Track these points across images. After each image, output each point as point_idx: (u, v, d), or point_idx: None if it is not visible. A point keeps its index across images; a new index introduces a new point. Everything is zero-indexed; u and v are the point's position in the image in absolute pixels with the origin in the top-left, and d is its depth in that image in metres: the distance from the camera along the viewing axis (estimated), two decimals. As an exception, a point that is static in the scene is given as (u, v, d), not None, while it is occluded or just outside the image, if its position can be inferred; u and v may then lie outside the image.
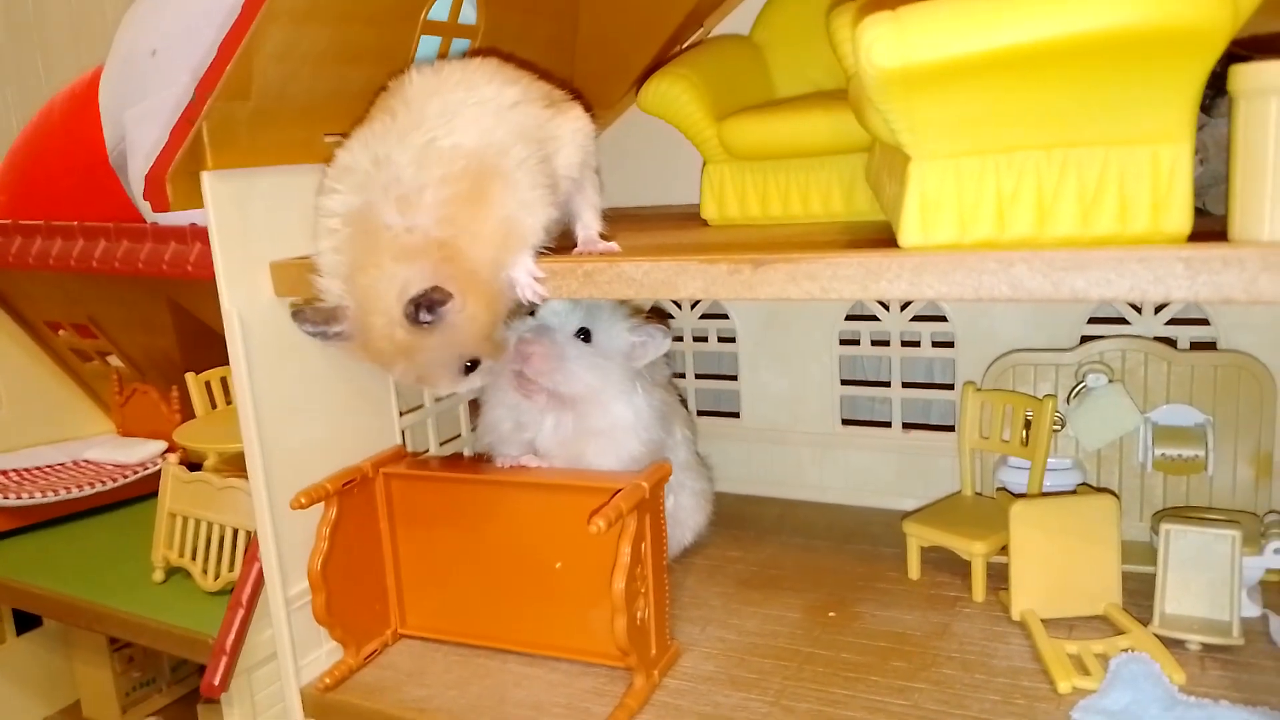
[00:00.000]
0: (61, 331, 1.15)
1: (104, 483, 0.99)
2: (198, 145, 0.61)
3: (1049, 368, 0.80)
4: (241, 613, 0.72)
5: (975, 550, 0.73)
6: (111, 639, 1.20)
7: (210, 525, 0.82)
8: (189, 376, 0.96)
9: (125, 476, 1.01)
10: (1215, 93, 0.64)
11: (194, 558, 0.82)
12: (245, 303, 0.64)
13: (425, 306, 0.55)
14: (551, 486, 0.68)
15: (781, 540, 0.88)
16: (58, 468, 1.04)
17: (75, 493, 0.97)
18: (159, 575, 0.84)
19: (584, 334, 0.72)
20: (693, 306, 0.97)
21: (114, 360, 1.14)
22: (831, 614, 0.74)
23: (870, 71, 0.45)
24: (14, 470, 1.02)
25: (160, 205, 0.61)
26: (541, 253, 0.59)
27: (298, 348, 0.67)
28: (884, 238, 0.52)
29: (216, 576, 0.80)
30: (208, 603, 0.80)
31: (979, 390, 0.81)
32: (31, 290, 1.11)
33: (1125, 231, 0.46)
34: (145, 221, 0.91)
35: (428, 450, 0.84)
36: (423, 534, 0.72)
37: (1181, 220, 0.46)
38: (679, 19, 0.86)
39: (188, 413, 1.01)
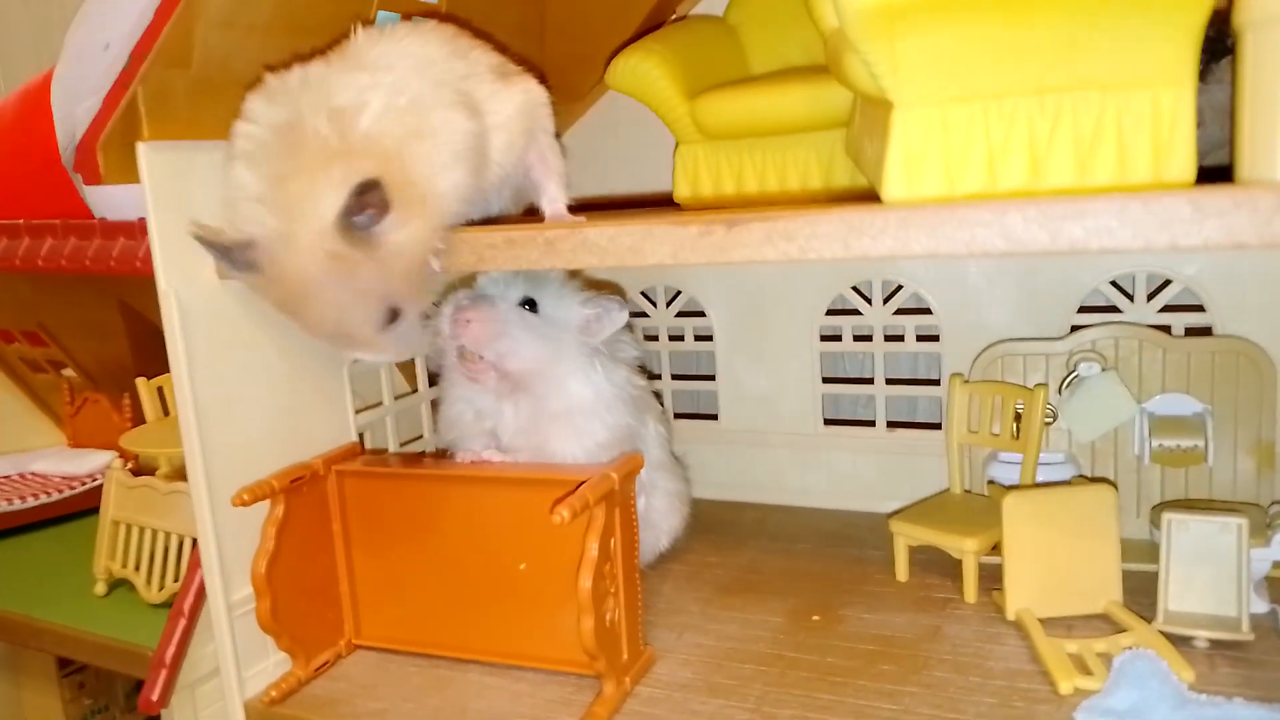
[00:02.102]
0: (14, 344, 1.10)
1: (49, 494, 0.94)
2: (132, 113, 0.57)
3: (1039, 357, 0.77)
4: (183, 623, 0.67)
5: (966, 547, 0.69)
6: (60, 664, 1.14)
7: (155, 533, 0.77)
8: (139, 381, 0.92)
9: (73, 488, 0.96)
10: (1210, 58, 0.61)
11: (138, 568, 0.77)
12: (184, 285, 0.60)
13: (367, 205, 0.50)
14: (513, 481, 0.64)
15: (762, 545, 0.83)
16: (1, 480, 0.98)
17: (17, 504, 0.92)
18: (101, 588, 0.79)
19: (529, 305, 0.67)
20: (668, 304, 0.93)
21: (68, 372, 1.09)
22: (816, 618, 0.70)
23: (850, 8, 0.42)
24: (-46, 483, 0.97)
25: (91, 176, 0.57)
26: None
27: (243, 336, 0.63)
28: (867, 198, 0.48)
29: (161, 587, 0.75)
30: (152, 615, 0.74)
31: (967, 382, 0.77)
32: (-22, 296, 1.06)
33: (1125, 181, 0.43)
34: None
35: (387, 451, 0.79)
36: (378, 536, 0.68)
37: (1185, 168, 0.42)
38: (651, 2, 0.83)
39: (140, 421, 0.96)
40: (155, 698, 0.66)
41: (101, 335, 1.02)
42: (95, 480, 0.97)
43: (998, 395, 0.76)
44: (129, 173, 0.58)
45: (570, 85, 0.91)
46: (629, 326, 0.77)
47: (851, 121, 0.62)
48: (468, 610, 0.66)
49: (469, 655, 0.67)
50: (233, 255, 0.53)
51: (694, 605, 0.73)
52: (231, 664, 0.63)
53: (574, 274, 0.70)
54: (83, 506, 0.97)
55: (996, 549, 0.70)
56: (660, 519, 0.77)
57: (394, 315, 0.56)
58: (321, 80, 0.54)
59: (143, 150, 0.58)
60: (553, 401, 0.67)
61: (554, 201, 0.61)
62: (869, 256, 0.45)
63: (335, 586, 0.68)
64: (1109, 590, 0.65)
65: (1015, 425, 0.75)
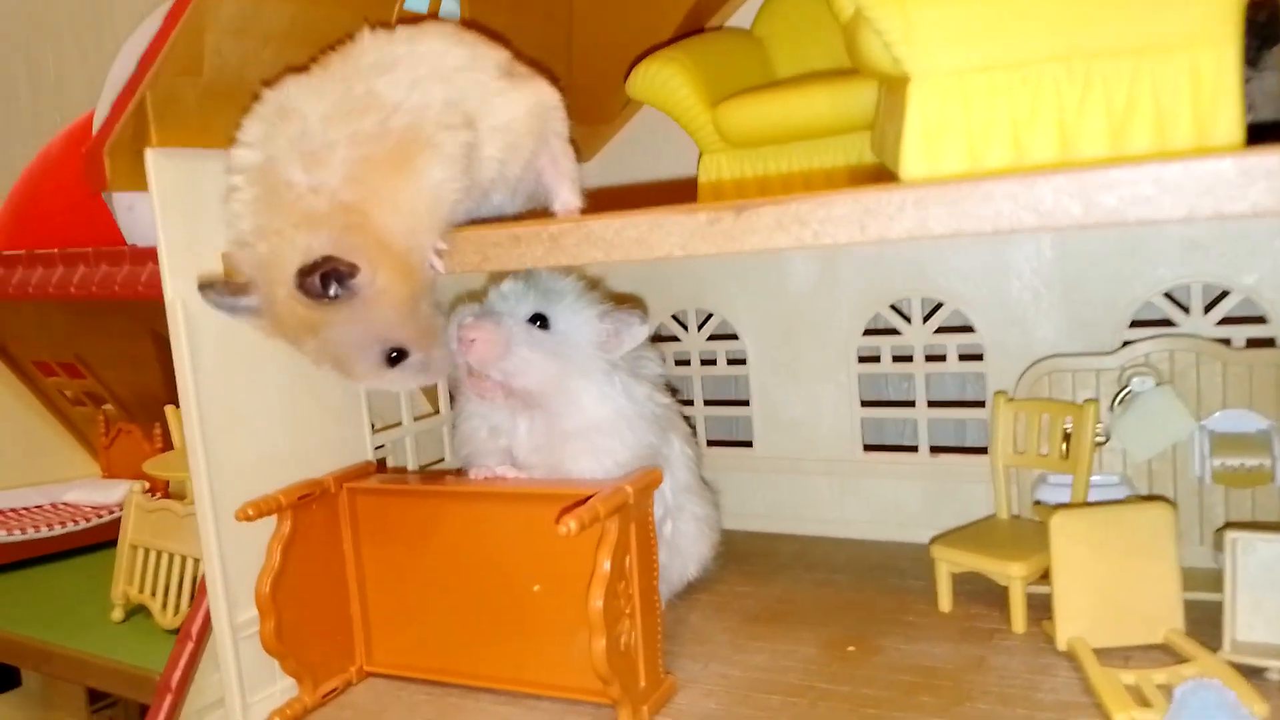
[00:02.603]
0: (53, 377, 1.11)
1: (76, 522, 0.93)
2: (140, 119, 0.56)
3: (1088, 373, 0.72)
4: (190, 646, 0.65)
5: (1013, 573, 0.65)
6: (91, 699, 1.13)
7: (172, 558, 0.75)
8: (168, 409, 0.91)
9: (100, 516, 0.95)
10: (1260, 44, 0.58)
11: (154, 594, 0.76)
12: (192, 295, 0.58)
13: (322, 279, 0.50)
14: (525, 496, 0.61)
15: (796, 575, 0.79)
16: (34, 509, 0.98)
17: (45, 532, 0.91)
18: (118, 614, 0.78)
19: (540, 320, 0.64)
20: (700, 327, 0.90)
21: (107, 407, 1.10)
22: (851, 648, 0.66)
23: (858, -27, 0.39)
24: (-13, 511, 0.97)
25: (98, 182, 0.56)
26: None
27: (254, 349, 0.61)
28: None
29: (176, 612, 0.74)
30: (166, 642, 0.72)
31: (1011, 400, 0.73)
32: (18, 329, 1.08)
33: (1165, 149, 0.40)
34: (129, 248, 0.88)
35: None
36: (391, 557, 0.65)
37: (1232, 131, 0.39)
38: (678, 19, 0.82)
39: (170, 449, 0.95)
40: (159, 724, 0.63)
41: (135, 365, 1.02)
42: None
43: (1045, 413, 0.71)
44: (137, 179, 0.57)
45: (598, 107, 0.90)
46: (654, 342, 0.74)
47: (876, 118, 0.59)
48: (482, 635, 0.63)
49: (482, 682, 0.63)
50: (234, 305, 0.55)
51: (721, 635, 0.69)
52: (235, 688, 0.61)
53: (594, 286, 0.68)
54: (111, 535, 0.96)
55: (1046, 577, 0.65)
56: (688, 545, 0.74)
57: (399, 353, 0.55)
58: (298, 111, 0.53)
59: (151, 157, 0.57)
60: (568, 419, 0.64)
61: (566, 205, 0.59)
62: (886, 239, 0.42)
63: (346, 609, 0.66)
64: (1169, 618, 0.60)
65: (1064, 445, 0.70)
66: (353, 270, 0.51)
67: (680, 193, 0.69)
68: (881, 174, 0.57)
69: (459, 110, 0.55)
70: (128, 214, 0.94)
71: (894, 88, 0.47)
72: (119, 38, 1.30)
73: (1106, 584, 0.61)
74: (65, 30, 1.48)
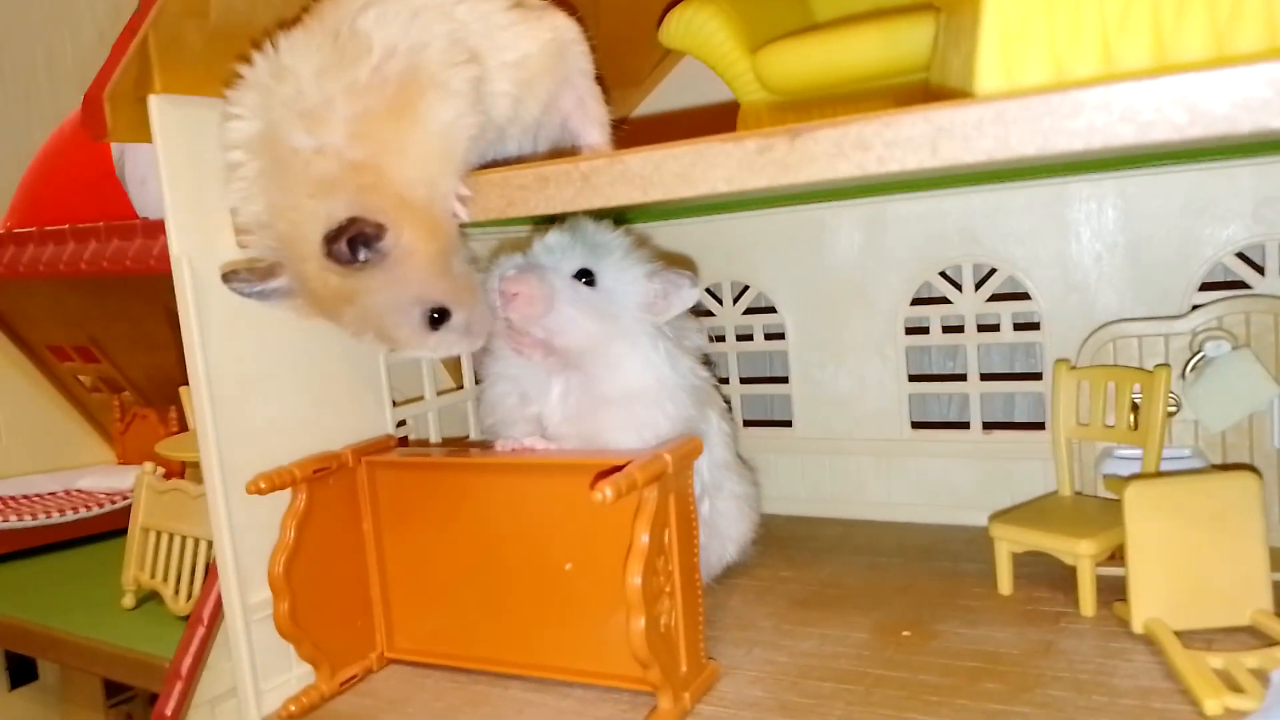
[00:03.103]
0: (68, 362, 1.08)
1: (89, 508, 0.90)
2: (142, 62, 0.52)
3: (1156, 339, 0.67)
4: (201, 631, 0.61)
5: (1082, 551, 0.60)
6: (108, 693, 1.10)
7: (185, 540, 0.72)
8: (183, 390, 0.88)
9: (114, 502, 0.92)
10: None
11: (166, 579, 0.72)
12: (199, 251, 0.55)
13: (349, 244, 0.47)
14: (557, 468, 0.57)
15: (842, 559, 0.75)
16: (47, 496, 0.95)
17: (57, 518, 0.88)
18: (129, 600, 0.74)
19: (586, 277, 0.60)
20: (735, 300, 0.86)
21: (125, 395, 1.07)
22: (906, 633, 0.61)
23: None
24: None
25: (98, 130, 0.52)
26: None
27: (266, 313, 0.57)
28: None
29: (189, 598, 0.70)
30: (179, 628, 0.69)
31: (1074, 369, 0.68)
32: (31, 311, 1.05)
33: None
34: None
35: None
36: (413, 536, 0.61)
37: (1361, 26, 0.34)
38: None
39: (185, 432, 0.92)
40: (169, 712, 0.60)
41: (149, 347, 0.99)
42: (139, 495, 0.93)
43: (1111, 381, 0.66)
44: (139, 129, 0.53)
45: (628, 68, 0.86)
46: (694, 314, 0.70)
47: (934, 52, 0.55)
48: (511, 618, 0.59)
49: (511, 669, 0.59)
50: (264, 291, 0.52)
51: (765, 620, 0.65)
52: (248, 674, 0.57)
53: (642, 243, 0.63)
54: (126, 522, 0.93)
55: (1115, 556, 0.61)
56: (727, 525, 0.69)
57: (441, 314, 0.52)
58: (290, 69, 0.49)
59: (155, 103, 0.53)
60: (607, 384, 0.60)
61: (594, 147, 0.55)
62: (962, 163, 0.37)
63: (365, 591, 0.62)
64: (1256, 597, 0.55)
65: (1132, 416, 0.65)
66: (380, 231, 0.48)
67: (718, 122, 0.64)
68: (938, 97, 0.52)
69: (464, 46, 0.51)
70: (140, 188, 0.91)
71: (962, 4, 0.42)
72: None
73: (1187, 561, 0.56)
74: (85, 18, 1.46)
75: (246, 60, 0.52)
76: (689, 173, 0.43)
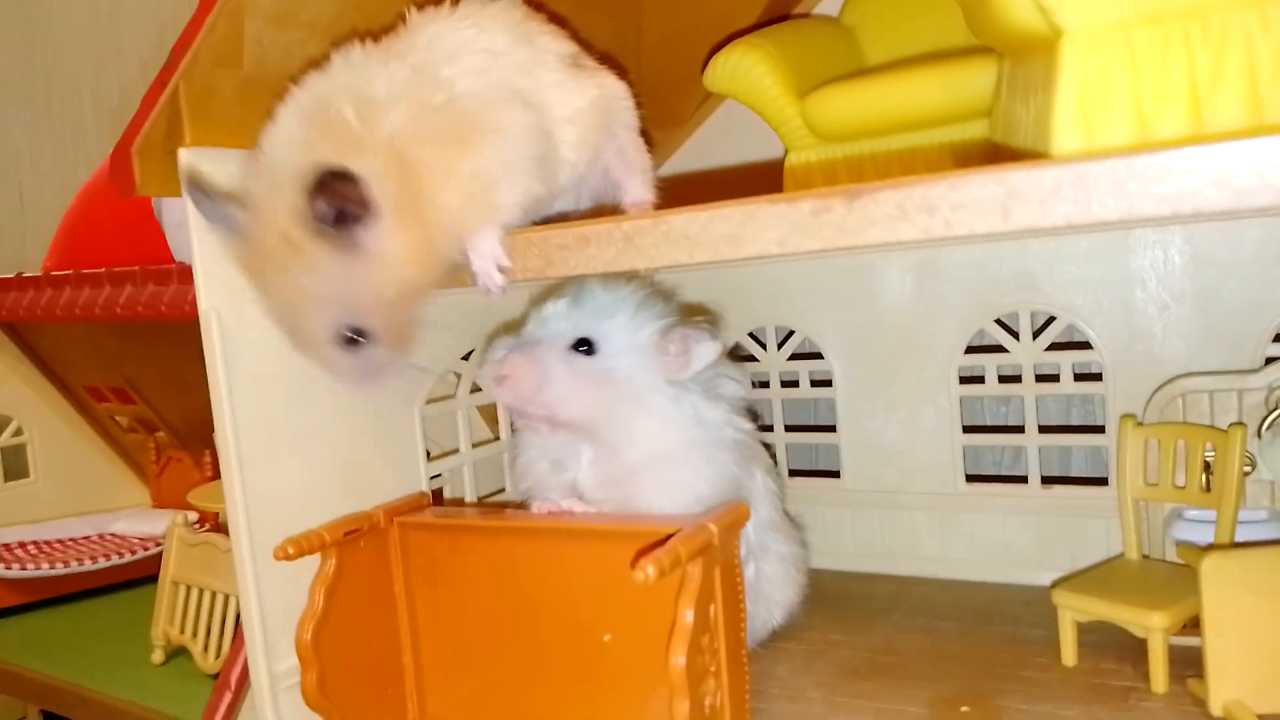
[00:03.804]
0: (105, 403, 1.08)
1: (123, 555, 0.89)
2: (173, 115, 0.51)
3: (1229, 394, 0.63)
4: (229, 697, 0.59)
5: (1153, 624, 0.56)
6: (140, 740, 1.09)
7: (214, 596, 0.70)
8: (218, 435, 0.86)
9: (147, 548, 0.90)
10: None
11: (195, 635, 0.70)
12: (229, 305, 0.53)
13: (336, 202, 0.44)
14: (595, 534, 0.54)
15: (895, 621, 0.71)
16: (80, 540, 0.94)
17: (89, 565, 0.87)
18: (159, 655, 0.73)
19: (585, 345, 0.57)
20: (780, 345, 0.83)
21: (160, 435, 1.06)
22: (965, 709, 0.57)
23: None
24: (33, 542, 0.93)
25: (125, 186, 0.51)
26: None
27: (296, 367, 0.55)
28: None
29: (218, 655, 0.68)
30: (207, 686, 0.67)
31: (1141, 425, 0.64)
32: (68, 353, 1.05)
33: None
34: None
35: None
36: (447, 600, 0.59)
37: None
38: (758, 10, 0.75)
39: (219, 477, 0.91)
40: (194, 782, 0.58)
41: (184, 390, 0.98)
42: (172, 541, 0.92)
43: (1181, 439, 0.63)
44: (168, 183, 0.52)
45: (671, 109, 0.84)
46: (735, 359, 0.67)
47: (997, 101, 0.52)
48: (547, 688, 0.56)
49: (547, 743, 0.57)
50: (215, 207, 0.48)
51: (814, 691, 0.62)
52: (274, 746, 0.55)
53: (666, 296, 0.61)
54: (158, 568, 0.93)
55: (1187, 628, 0.57)
56: (773, 589, 0.66)
57: (359, 335, 0.48)
58: (363, 65, 0.48)
59: (185, 157, 0.52)
60: (628, 451, 0.57)
61: (638, 199, 0.53)
62: (1036, 228, 0.34)
63: (397, 658, 0.60)
64: (1349, 681, 0.51)
65: (1205, 476, 0.62)
66: (368, 211, 0.44)
67: (766, 181, 0.62)
68: (1002, 155, 0.49)
69: (526, 99, 0.49)
70: (176, 231, 0.90)
71: (1033, 54, 0.39)
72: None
73: (1269, 639, 0.52)
74: (131, 58, 1.47)
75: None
76: (738, 234, 0.40)
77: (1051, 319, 0.72)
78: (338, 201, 0.44)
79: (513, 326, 0.61)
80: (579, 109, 0.52)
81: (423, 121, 0.46)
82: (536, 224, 0.50)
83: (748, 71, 0.61)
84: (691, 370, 0.58)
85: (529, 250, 0.46)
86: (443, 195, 0.47)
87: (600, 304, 0.58)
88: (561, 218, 0.55)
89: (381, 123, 0.46)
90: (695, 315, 0.60)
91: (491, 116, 0.47)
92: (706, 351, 0.58)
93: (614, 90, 0.55)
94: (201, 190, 0.49)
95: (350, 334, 0.47)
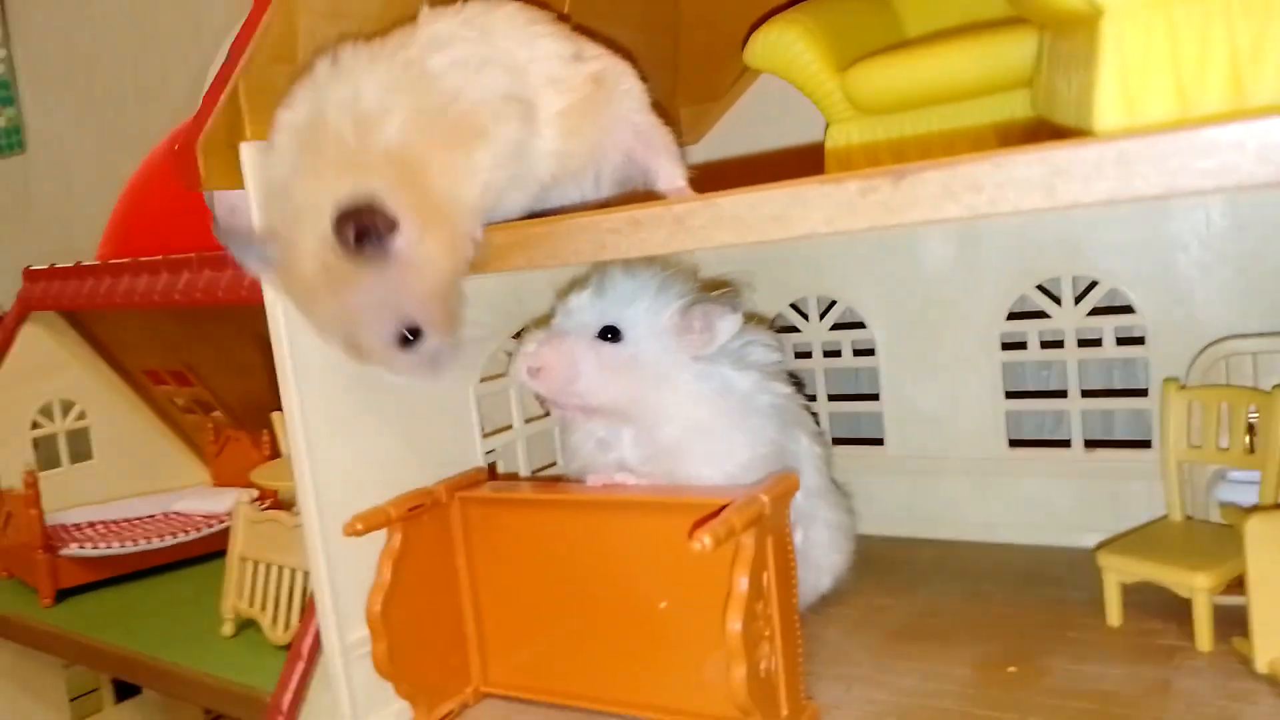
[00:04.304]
0: (163, 386, 1.11)
1: (187, 532, 0.92)
2: (233, 110, 0.53)
3: (1273, 355, 0.64)
4: (301, 666, 0.62)
5: (1198, 584, 0.57)
6: (207, 713, 1.13)
7: (281, 570, 0.73)
8: (275, 416, 0.89)
9: (211, 526, 0.94)
10: None
11: (264, 608, 0.73)
12: (293, 295, 0.55)
13: (359, 230, 0.46)
14: (649, 505, 0.56)
15: (940, 585, 0.72)
16: (145, 519, 0.98)
17: (156, 543, 0.90)
18: (229, 628, 0.76)
19: (610, 333, 0.59)
20: (821, 316, 0.84)
21: (217, 414, 1.09)
22: (1012, 669, 0.59)
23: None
24: (100, 522, 0.97)
25: (191, 181, 0.53)
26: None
27: (359, 352, 0.58)
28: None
29: (287, 627, 0.71)
30: (277, 658, 0.70)
31: (1184, 388, 0.65)
32: (128, 338, 1.08)
33: None
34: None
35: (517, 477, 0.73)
36: (507, 571, 0.61)
37: None
38: (794, -16, 0.76)
39: (277, 456, 0.93)
40: (271, 748, 0.61)
41: (242, 373, 1.01)
42: (234, 518, 0.95)
43: (1224, 402, 0.63)
44: (231, 177, 0.54)
45: (708, 84, 0.85)
46: (778, 329, 0.68)
47: (1038, 74, 0.53)
48: (605, 654, 0.58)
49: (606, 706, 0.59)
50: (251, 252, 0.51)
51: (863, 654, 0.63)
52: (348, 712, 0.57)
53: (683, 275, 0.62)
54: (221, 545, 0.95)
55: (1231, 587, 0.58)
56: (820, 555, 0.67)
57: (414, 333, 0.51)
58: (352, 74, 0.50)
59: (247, 151, 0.54)
60: (664, 430, 0.59)
61: (672, 180, 0.54)
62: (1080, 204, 0.35)
63: (460, 627, 0.62)
64: (1394, 637, 0.52)
65: (1249, 438, 0.62)
66: (392, 227, 0.47)
67: (803, 164, 0.62)
68: (1043, 131, 0.50)
69: (518, 100, 0.52)
70: (229, 217, 0.93)
71: (1073, 29, 0.40)
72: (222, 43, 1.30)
73: (1315, 597, 0.53)
74: (171, 45, 1.49)
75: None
76: (786, 214, 0.41)
77: (1093, 284, 0.72)
78: (364, 228, 0.47)
79: (542, 321, 0.63)
80: (570, 104, 0.54)
81: (419, 126, 0.48)
82: (561, 211, 0.51)
83: (788, 47, 0.62)
84: (716, 345, 0.59)
85: (580, 235, 0.48)
86: (448, 191, 0.49)
87: (622, 291, 0.60)
88: (581, 207, 0.57)
89: (378, 137, 0.48)
90: (715, 290, 0.61)
91: (479, 123, 0.49)
92: (728, 325, 0.59)
93: (612, 77, 0.56)
94: (232, 236, 0.52)
95: (406, 334, 0.51)
